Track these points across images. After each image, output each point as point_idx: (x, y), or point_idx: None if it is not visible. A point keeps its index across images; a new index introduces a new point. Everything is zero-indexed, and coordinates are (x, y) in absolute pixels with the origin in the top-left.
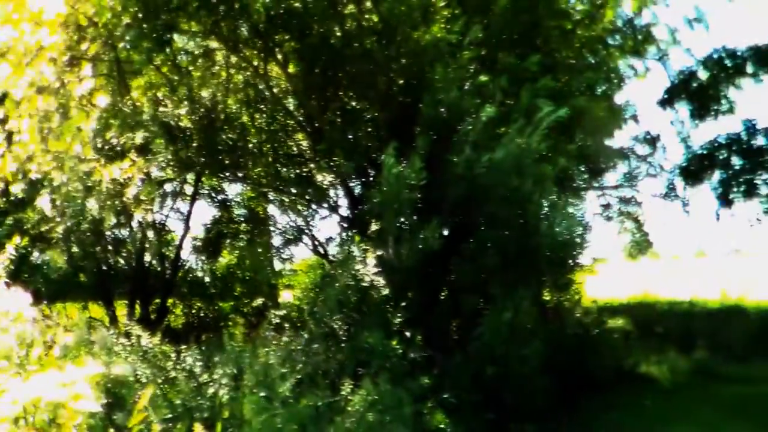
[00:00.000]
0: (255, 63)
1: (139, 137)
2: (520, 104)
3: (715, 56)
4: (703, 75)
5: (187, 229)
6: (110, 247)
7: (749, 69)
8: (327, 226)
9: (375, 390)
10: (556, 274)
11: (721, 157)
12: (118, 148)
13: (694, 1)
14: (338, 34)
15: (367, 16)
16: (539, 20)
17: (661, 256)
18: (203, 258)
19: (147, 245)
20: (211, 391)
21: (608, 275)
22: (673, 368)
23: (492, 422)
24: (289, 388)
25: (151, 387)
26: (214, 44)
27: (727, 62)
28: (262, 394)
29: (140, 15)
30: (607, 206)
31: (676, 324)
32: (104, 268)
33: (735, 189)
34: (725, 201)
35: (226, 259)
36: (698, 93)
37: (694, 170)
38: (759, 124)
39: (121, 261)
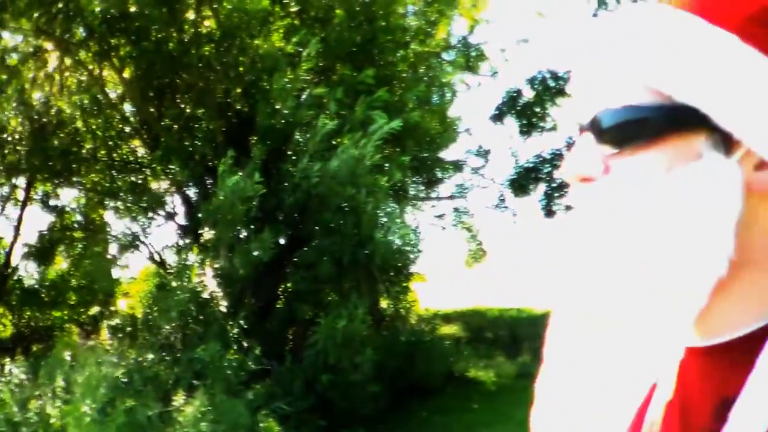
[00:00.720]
0: (90, 66)
1: None
2: (355, 116)
3: (540, 77)
4: (529, 94)
5: (17, 235)
6: None
7: (569, 90)
8: (164, 234)
9: (209, 400)
10: (391, 282)
11: (545, 171)
12: None
13: (525, 23)
14: (176, 40)
15: (206, 24)
16: (376, 34)
17: (495, 265)
18: (36, 265)
19: None
20: (38, 404)
21: (445, 284)
22: (499, 372)
23: (324, 428)
24: (121, 399)
25: None
26: (47, 44)
27: (550, 83)
28: (93, 405)
29: None
30: (441, 216)
31: (505, 330)
32: None
33: (557, 201)
34: (549, 212)
35: (60, 266)
36: (525, 110)
37: (521, 183)
38: None
39: None
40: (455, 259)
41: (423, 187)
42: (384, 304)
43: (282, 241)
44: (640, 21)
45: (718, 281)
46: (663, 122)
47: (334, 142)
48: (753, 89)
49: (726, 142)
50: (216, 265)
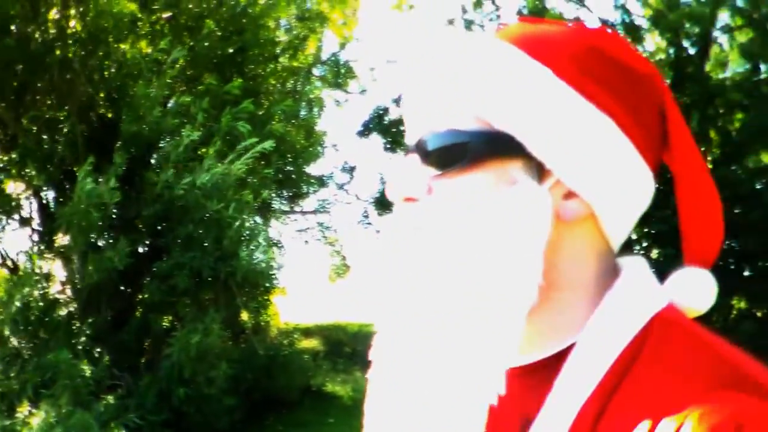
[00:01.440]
0: None
1: None
2: (220, 127)
3: None
4: (394, 113)
5: None
6: None
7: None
8: (19, 238)
9: (56, 411)
10: (251, 296)
11: None
12: None
13: (394, 44)
14: (39, 39)
15: (71, 24)
16: (245, 46)
17: (358, 280)
18: None
19: None
20: None
21: (307, 298)
22: (356, 387)
23: None
24: None
25: None
26: None
27: None
28: None
29: None
30: (305, 231)
31: (364, 345)
32: None
33: None
34: None
35: None
36: (390, 128)
37: (384, 201)
38: None
39: None
40: (318, 273)
41: (287, 201)
42: (245, 316)
43: (141, 251)
44: (466, 49)
45: (530, 305)
46: (482, 148)
47: (199, 153)
48: (562, 123)
49: (539, 171)
50: (69, 272)
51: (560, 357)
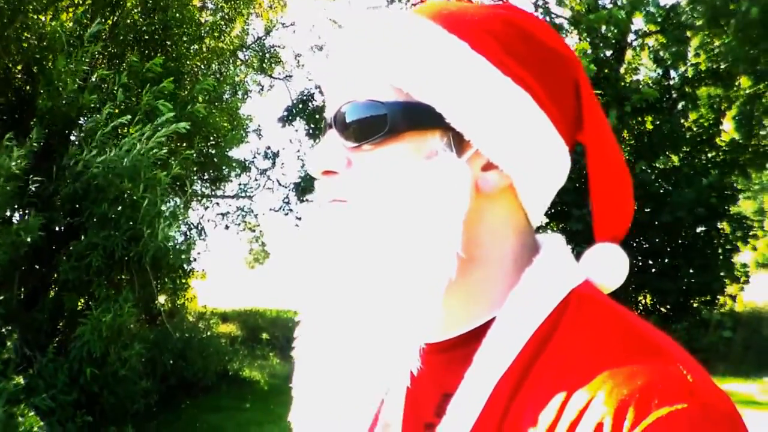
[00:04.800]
0: None
1: None
2: (141, 105)
3: None
4: (319, 99)
5: None
6: None
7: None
8: None
9: None
10: (166, 278)
11: None
12: None
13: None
14: None
15: None
16: (169, 25)
17: (278, 266)
18: None
19: None
20: None
21: (227, 282)
22: (273, 373)
23: (90, 424)
24: None
25: None
26: None
27: None
28: None
29: None
30: (225, 215)
31: (281, 332)
32: None
33: None
34: None
35: None
36: (314, 115)
37: (306, 187)
38: None
39: None
40: (238, 258)
41: (208, 184)
42: (162, 299)
43: (59, 229)
44: (384, 23)
45: (449, 278)
46: (401, 119)
47: (122, 132)
48: (480, 95)
49: (458, 143)
50: None
51: (480, 332)
